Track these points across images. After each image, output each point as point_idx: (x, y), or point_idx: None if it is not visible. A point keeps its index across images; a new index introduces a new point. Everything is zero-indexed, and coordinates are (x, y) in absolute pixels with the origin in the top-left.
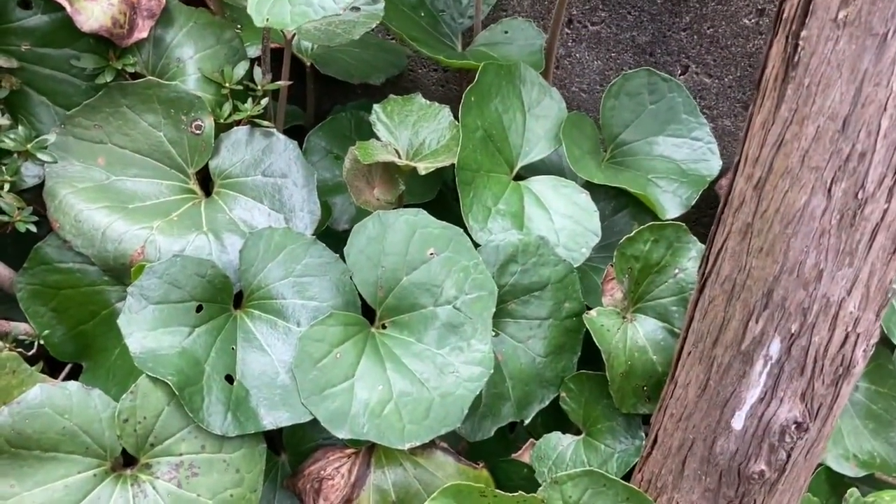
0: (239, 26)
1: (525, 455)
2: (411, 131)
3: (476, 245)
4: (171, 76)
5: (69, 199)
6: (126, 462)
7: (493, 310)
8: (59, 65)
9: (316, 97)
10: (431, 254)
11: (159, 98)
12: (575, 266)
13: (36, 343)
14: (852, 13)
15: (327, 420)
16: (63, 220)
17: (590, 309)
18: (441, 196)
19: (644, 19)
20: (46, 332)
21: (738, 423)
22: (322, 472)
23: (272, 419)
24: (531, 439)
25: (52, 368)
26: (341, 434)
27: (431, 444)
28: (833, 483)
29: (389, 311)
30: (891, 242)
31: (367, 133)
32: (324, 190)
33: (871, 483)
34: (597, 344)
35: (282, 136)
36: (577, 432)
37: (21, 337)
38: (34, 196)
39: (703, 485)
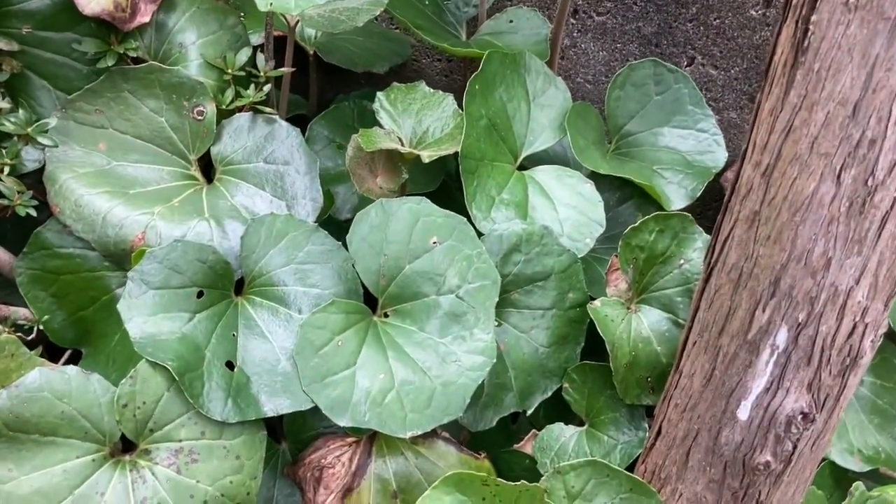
0: (242, 14)
1: (527, 446)
2: (415, 119)
3: (479, 234)
4: (174, 61)
5: (70, 184)
6: (125, 448)
7: (496, 299)
8: (60, 48)
9: (319, 86)
10: (434, 242)
11: (161, 83)
12: (579, 256)
13: (35, 328)
14: None
15: (328, 408)
16: (63, 205)
17: (594, 299)
18: (444, 186)
19: (650, 10)
20: (46, 317)
21: (743, 413)
22: (323, 461)
23: (273, 406)
24: (533, 430)
25: (52, 354)
26: (342, 422)
27: (433, 434)
28: (837, 478)
29: (392, 299)
30: None
31: (371, 122)
32: (326, 179)
33: (875, 478)
34: (601, 334)
35: (284, 123)
36: (580, 423)
37: (20, 322)
38: (34, 181)
39: (708, 476)
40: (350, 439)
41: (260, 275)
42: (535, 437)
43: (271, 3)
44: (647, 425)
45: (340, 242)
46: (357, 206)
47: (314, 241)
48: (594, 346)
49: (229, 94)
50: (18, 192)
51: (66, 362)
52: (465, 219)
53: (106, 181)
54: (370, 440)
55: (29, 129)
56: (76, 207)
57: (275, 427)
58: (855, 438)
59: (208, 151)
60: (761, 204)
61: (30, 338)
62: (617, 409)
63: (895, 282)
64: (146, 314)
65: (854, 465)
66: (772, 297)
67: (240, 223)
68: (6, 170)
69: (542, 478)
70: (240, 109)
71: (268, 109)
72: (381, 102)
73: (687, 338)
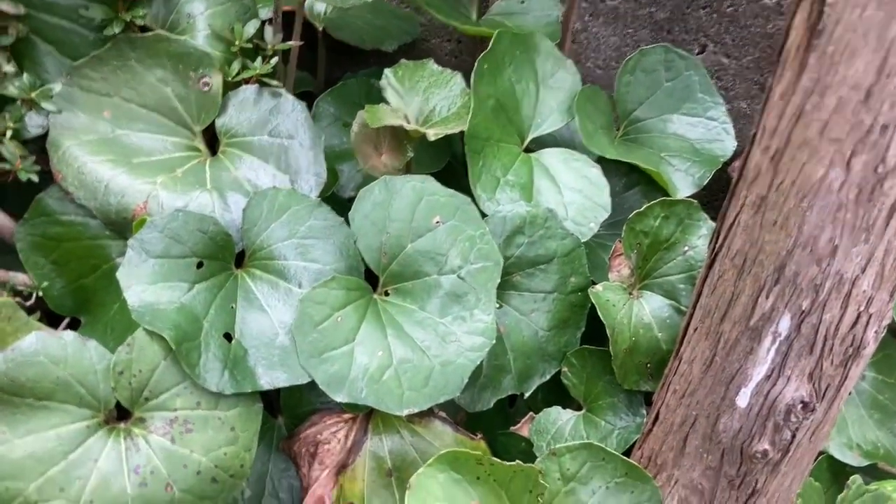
0: None
1: (524, 428)
2: (422, 97)
3: (483, 215)
4: (181, 31)
5: (73, 151)
6: (120, 415)
7: (498, 281)
8: (67, 14)
9: (326, 64)
10: (437, 222)
11: (168, 53)
12: (582, 241)
13: (34, 295)
14: None
15: (326, 383)
16: (66, 172)
17: (596, 284)
18: (449, 167)
19: None
20: (45, 284)
21: (742, 400)
22: (318, 436)
23: (269, 379)
24: (531, 413)
25: (50, 322)
26: (339, 398)
27: (430, 413)
28: (835, 471)
29: (393, 277)
30: None
31: (377, 101)
32: (331, 156)
33: (873, 473)
34: (602, 319)
35: (290, 97)
36: (578, 408)
37: (19, 288)
38: (37, 147)
39: (705, 462)
40: (346, 416)
41: (261, 248)
42: (532, 419)
43: None
44: (644, 411)
45: (343, 219)
46: (361, 184)
47: (316, 217)
48: (594, 331)
49: (236, 65)
50: (21, 157)
51: (65, 330)
52: (470, 199)
53: (109, 149)
54: (366, 417)
55: (33, 94)
56: (79, 175)
57: (272, 401)
58: (854, 433)
59: (213, 123)
60: (769, 189)
61: (28, 304)
62: (615, 394)
63: None
64: (145, 283)
65: (853, 459)
66: (776, 284)
67: (242, 196)
68: (9, 134)
69: (538, 459)
70: (246, 82)
71: (274, 83)
72: (389, 79)
73: (688, 324)
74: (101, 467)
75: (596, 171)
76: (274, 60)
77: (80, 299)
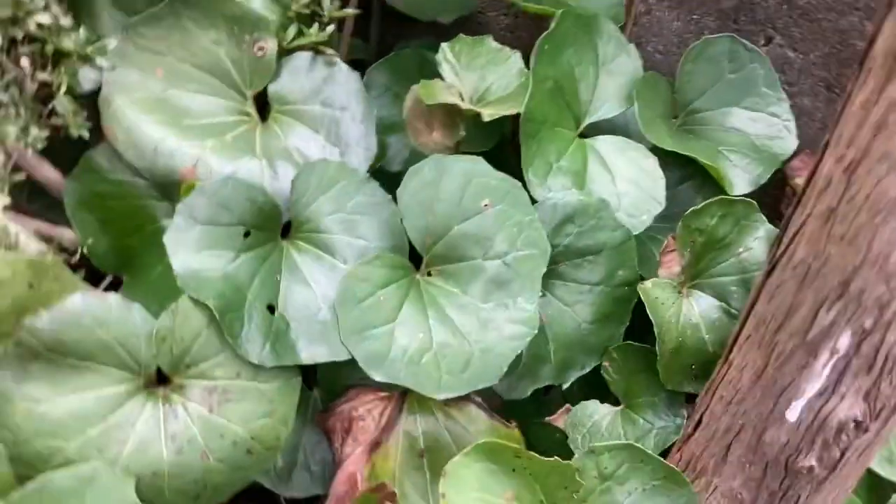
0: None
1: (559, 420)
2: (478, 75)
3: (533, 201)
4: None
5: (124, 109)
6: (159, 381)
7: (544, 270)
8: None
9: (380, 32)
10: (486, 205)
11: (224, 15)
12: (634, 234)
13: (80, 252)
14: None
15: (365, 361)
16: (116, 130)
17: (644, 279)
18: (499, 148)
19: None
20: (91, 241)
21: (792, 414)
22: (354, 412)
23: (310, 354)
24: (567, 405)
25: (93, 279)
26: (377, 376)
27: (466, 398)
28: (873, 486)
29: (437, 259)
30: None
31: (431, 73)
32: (380, 128)
33: None
34: (650, 316)
35: (344, 67)
36: (615, 403)
37: (65, 244)
38: (89, 103)
39: (747, 473)
40: (383, 394)
41: (307, 220)
42: (567, 411)
43: None
44: (685, 413)
45: (390, 196)
46: (409, 158)
47: (364, 192)
48: (636, 329)
49: (292, 31)
50: (73, 112)
51: (107, 288)
52: (520, 184)
53: (160, 109)
54: (402, 397)
55: (88, 49)
56: (128, 133)
57: (308, 374)
58: None
59: (265, 89)
60: (839, 201)
61: (73, 261)
62: (656, 393)
63: None
64: (191, 249)
65: (893, 474)
66: (838, 299)
67: (291, 165)
68: (63, 88)
69: (575, 456)
70: (301, 49)
71: (329, 51)
72: (445, 54)
73: (740, 330)
74: (139, 432)
75: (652, 163)
76: (330, 28)
77: (124, 258)
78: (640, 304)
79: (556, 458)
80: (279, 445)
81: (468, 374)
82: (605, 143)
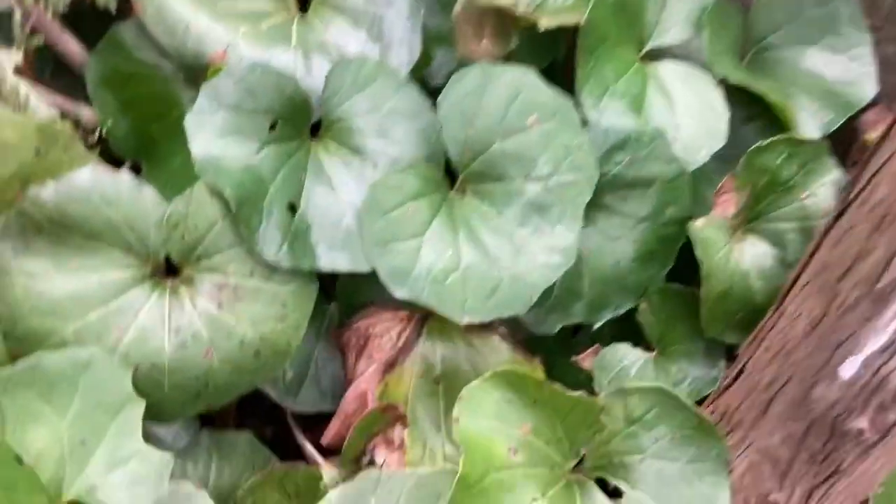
0: None
1: (587, 361)
2: None
3: (584, 123)
4: None
5: None
6: (168, 271)
7: (588, 198)
8: None
9: None
10: (532, 122)
11: None
12: (690, 170)
13: (98, 133)
14: None
15: (387, 275)
16: (146, 4)
17: (693, 219)
18: (550, 70)
19: None
20: (110, 122)
21: (847, 370)
22: (371, 330)
23: (329, 260)
24: (597, 345)
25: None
26: (399, 293)
27: (489, 326)
28: None
29: (473, 176)
30: None
31: None
32: (425, 37)
33: None
34: (698, 257)
35: None
36: (647, 349)
37: (84, 122)
38: None
39: (787, 429)
40: (402, 314)
41: (339, 120)
42: (596, 352)
43: None
44: (723, 364)
45: (431, 102)
46: (452, 73)
47: (403, 95)
48: (677, 272)
49: None
50: None
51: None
52: (572, 103)
53: None
54: (422, 319)
55: None
56: (159, 9)
57: (326, 287)
58: None
59: None
60: None
61: (90, 141)
62: (694, 341)
63: None
64: (213, 134)
65: None
66: None
67: (327, 60)
68: None
69: (602, 393)
70: None
71: None
72: None
73: (797, 277)
74: (142, 321)
75: (717, 95)
76: None
77: (144, 144)
78: (683, 248)
79: (582, 392)
80: (289, 352)
81: (495, 299)
82: (667, 70)
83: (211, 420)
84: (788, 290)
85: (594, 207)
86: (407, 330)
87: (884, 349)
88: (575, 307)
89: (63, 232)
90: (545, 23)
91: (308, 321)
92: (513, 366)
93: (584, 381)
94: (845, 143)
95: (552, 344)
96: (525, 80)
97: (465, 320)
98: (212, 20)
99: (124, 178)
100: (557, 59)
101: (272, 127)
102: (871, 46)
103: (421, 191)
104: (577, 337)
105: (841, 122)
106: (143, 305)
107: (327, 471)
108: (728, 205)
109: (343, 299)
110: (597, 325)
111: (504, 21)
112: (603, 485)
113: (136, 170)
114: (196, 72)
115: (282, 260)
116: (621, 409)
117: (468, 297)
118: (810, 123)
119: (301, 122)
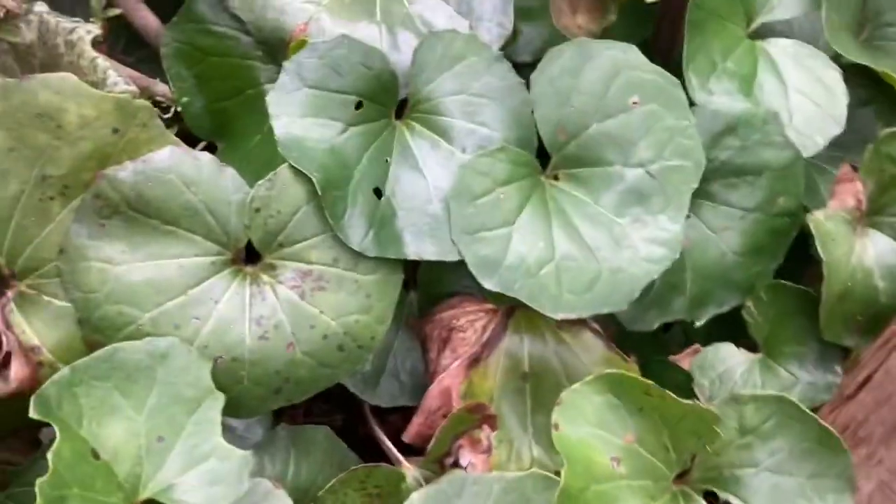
0: None
1: (685, 361)
2: None
3: (691, 104)
4: None
5: None
6: (248, 258)
7: (695, 185)
8: None
9: None
10: (634, 103)
11: None
12: (804, 156)
13: (173, 110)
14: None
15: (476, 265)
16: None
17: (808, 211)
18: (649, 44)
19: None
20: (186, 99)
21: None
22: (454, 322)
23: (417, 248)
24: (696, 344)
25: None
26: (488, 284)
27: (582, 322)
28: None
29: (568, 160)
30: None
31: None
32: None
33: None
34: (819, 253)
35: None
36: (751, 350)
37: (158, 98)
38: None
39: None
40: (488, 306)
41: (426, 99)
42: (696, 352)
43: None
44: (838, 369)
45: (524, 81)
46: (539, 49)
47: (494, 73)
48: (786, 268)
49: None
50: None
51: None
52: (678, 82)
53: None
54: (509, 312)
55: None
56: None
57: (407, 273)
58: None
59: None
60: None
61: (166, 118)
62: (806, 342)
63: None
64: (296, 114)
65: None
66: None
67: (413, 35)
68: None
69: (716, 401)
70: None
71: None
72: None
73: None
74: (222, 310)
75: (834, 76)
76: None
77: (220, 123)
78: (794, 242)
79: (695, 400)
80: (373, 346)
81: (593, 294)
82: (779, 48)
83: (280, 409)
84: None
85: (699, 196)
86: (493, 323)
87: None
88: (676, 303)
89: (141, 215)
90: None
91: (393, 311)
92: (608, 368)
93: (683, 382)
94: None
95: (644, 341)
96: (627, 58)
97: (560, 316)
98: None
99: (205, 158)
100: (647, 38)
101: (358, 106)
102: None
103: (512, 175)
104: (668, 333)
105: None
106: (223, 294)
107: (410, 471)
108: (847, 195)
109: (424, 289)
110: (699, 323)
111: None
112: (710, 497)
113: (211, 149)
114: (275, 46)
115: (368, 248)
116: (735, 418)
117: (564, 290)
118: None
119: (387, 101)
